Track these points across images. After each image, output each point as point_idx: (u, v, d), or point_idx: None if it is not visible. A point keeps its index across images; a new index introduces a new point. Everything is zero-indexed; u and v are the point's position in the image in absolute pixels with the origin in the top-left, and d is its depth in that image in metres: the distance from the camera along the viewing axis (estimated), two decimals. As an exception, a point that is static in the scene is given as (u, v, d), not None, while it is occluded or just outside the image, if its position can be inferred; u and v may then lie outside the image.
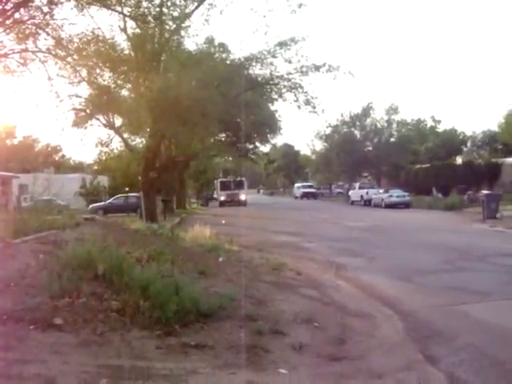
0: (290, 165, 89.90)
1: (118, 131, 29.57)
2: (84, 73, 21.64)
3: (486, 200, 24.53)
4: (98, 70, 21.35)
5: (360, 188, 49.40)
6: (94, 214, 23.25)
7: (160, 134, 24.84)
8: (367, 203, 45.07)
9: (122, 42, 23.24)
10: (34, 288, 5.89)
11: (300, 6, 26.02)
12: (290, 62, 29.68)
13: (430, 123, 73.59)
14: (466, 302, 8.16)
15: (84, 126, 28.36)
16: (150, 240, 11.95)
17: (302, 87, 30.49)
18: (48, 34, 17.90)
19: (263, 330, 5.93)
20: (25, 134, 66.17)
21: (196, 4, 22.77)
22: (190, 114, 22.74)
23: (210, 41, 30.70)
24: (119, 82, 23.41)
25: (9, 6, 16.15)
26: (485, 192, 26.98)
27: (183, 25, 22.66)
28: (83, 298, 5.79)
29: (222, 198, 54.37)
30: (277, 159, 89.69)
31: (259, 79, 31.45)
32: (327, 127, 59.90)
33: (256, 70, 31.02)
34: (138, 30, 22.06)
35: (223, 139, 42.64)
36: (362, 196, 47.41)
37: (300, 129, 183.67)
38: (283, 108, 49.19)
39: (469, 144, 66.54)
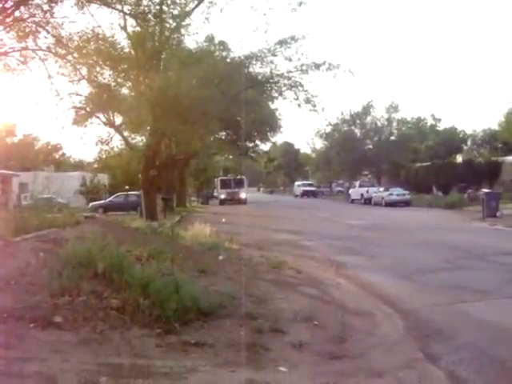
0: (290, 163, 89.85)
1: (118, 129, 29.57)
2: (84, 71, 21.66)
3: (486, 198, 24.55)
4: (98, 68, 21.36)
5: (360, 186, 49.40)
6: (94, 213, 23.30)
7: (160, 132, 24.84)
8: (367, 201, 45.08)
9: (122, 40, 23.23)
10: (34, 286, 5.89)
11: (300, 4, 25.98)
12: (290, 60, 29.63)
13: (430, 121, 73.68)
14: (466, 300, 8.16)
15: (84, 124, 28.39)
16: (150, 238, 11.96)
17: (302, 85, 30.46)
18: (48, 32, 17.90)
19: (263, 329, 5.92)
20: (25, 133, 66.32)
21: (196, 2, 22.75)
22: (190, 112, 22.72)
23: (210, 39, 30.67)
24: (119, 80, 23.41)
25: (9, 4, 16.14)
26: (485, 190, 27.01)
27: (183, 23, 22.66)
28: (83, 297, 5.79)
29: (222, 197, 54.38)
30: (277, 157, 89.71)
31: (259, 77, 31.41)
32: (327, 125, 59.97)
33: (256, 69, 30.98)
34: (138, 28, 22.05)
35: (223, 137, 42.59)
36: (362, 194, 47.42)
37: (300, 127, 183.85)
38: (283, 106, 49.59)
39: (469, 142, 66.54)
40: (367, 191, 46.53)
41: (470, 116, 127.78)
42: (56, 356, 4.52)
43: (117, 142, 33.04)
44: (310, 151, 75.95)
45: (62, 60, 19.86)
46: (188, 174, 53.08)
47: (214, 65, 25.87)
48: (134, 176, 33.65)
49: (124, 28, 22.60)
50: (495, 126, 57.60)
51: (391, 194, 40.76)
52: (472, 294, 8.59)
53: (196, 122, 24.16)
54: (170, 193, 38.37)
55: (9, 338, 4.69)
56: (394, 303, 8.10)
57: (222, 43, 31.52)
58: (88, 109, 27.27)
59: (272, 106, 39.28)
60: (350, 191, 51.73)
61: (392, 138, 58.87)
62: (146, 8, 18.83)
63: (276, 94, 33.51)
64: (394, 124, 59.72)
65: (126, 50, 23.45)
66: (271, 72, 30.86)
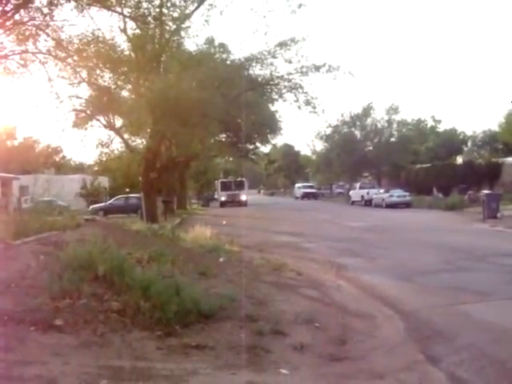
0: (291, 165, 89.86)
1: (118, 132, 29.61)
2: (84, 74, 21.69)
3: (487, 200, 24.52)
4: (98, 71, 21.41)
5: (361, 188, 49.35)
6: (95, 215, 23.26)
7: (160, 134, 24.87)
8: (368, 203, 45.03)
9: (122, 43, 23.31)
10: (34, 289, 5.89)
11: (300, 6, 26.11)
12: (290, 62, 29.74)
13: (430, 123, 73.73)
14: (466, 301, 8.16)
15: (84, 127, 28.43)
16: (150, 241, 11.97)
17: (302, 87, 30.57)
18: (48, 36, 17.92)
19: (264, 331, 5.92)
20: (25, 135, 66.48)
21: (196, 5, 22.83)
22: (190, 114, 22.76)
23: (210, 41, 30.74)
24: (119, 82, 23.44)
25: (9, 7, 16.16)
26: (485, 192, 26.96)
27: (183, 25, 22.69)
28: (84, 299, 5.79)
29: (223, 199, 54.41)
30: (277, 159, 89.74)
31: (259, 79, 31.50)
32: (327, 127, 60.07)
33: (256, 71, 31.11)
34: (138, 31, 22.10)
35: (224, 140, 42.64)
36: (362, 196, 47.37)
37: (300, 129, 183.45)
38: (283, 108, 49.59)
39: (469, 144, 66.60)
40: (368, 193, 46.47)
41: (470, 117, 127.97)
42: (57, 359, 4.52)
43: (117, 145, 33.12)
44: (311, 153, 75.99)
45: (62, 63, 19.89)
46: (188, 177, 53.10)
47: (214, 67, 25.93)
48: (135, 178, 33.67)
49: (124, 31, 22.67)
50: (495, 127, 57.67)
51: (392, 196, 40.73)
52: (472, 296, 8.58)
53: (196, 124, 24.20)
54: (171, 195, 38.37)
55: (9, 341, 4.69)
56: (395, 305, 8.10)
57: (222, 45, 31.62)
58: (88, 111, 27.31)
59: (272, 108, 39.45)
60: (351, 193, 51.69)
61: (392, 139, 58.86)
62: (145, 10, 18.84)
63: (276, 96, 33.64)
64: (394, 126, 59.72)
65: (126, 52, 23.53)
66: (271, 74, 30.98)
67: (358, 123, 60.27)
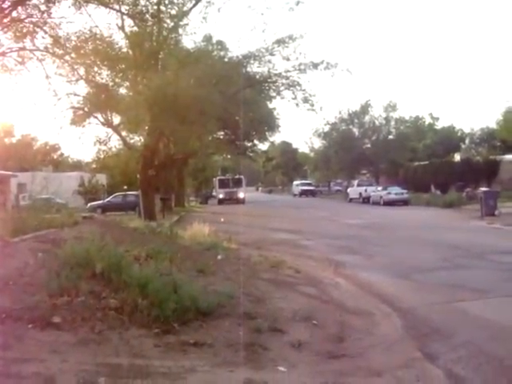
0: (289, 162, 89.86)
1: (116, 129, 29.53)
2: (82, 71, 21.67)
3: (485, 197, 24.57)
4: (95, 69, 21.39)
5: (358, 185, 49.42)
6: (93, 213, 23.27)
7: (158, 131, 24.81)
8: (366, 201, 45.06)
9: (120, 40, 23.23)
10: (32, 286, 5.89)
11: (297, 3, 26.00)
12: (287, 59, 29.64)
13: (428, 120, 73.75)
14: (464, 299, 8.18)
15: (82, 125, 28.35)
16: (148, 238, 11.96)
17: (300, 85, 30.48)
18: (46, 33, 17.91)
19: (262, 328, 5.93)
20: (23, 133, 66.35)
21: (194, 2, 22.74)
22: (188, 111, 22.70)
23: (207, 39, 30.65)
24: (117, 80, 23.42)
25: (6, 4, 16.14)
26: (483, 189, 27.02)
27: (181, 23, 22.64)
28: (82, 297, 5.79)
29: (221, 196, 54.39)
30: (275, 157, 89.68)
31: (257, 77, 31.43)
32: (325, 125, 59.97)
33: (254, 68, 31.01)
34: (135, 28, 22.03)
35: (222, 137, 42.58)
36: (360, 193, 47.41)
37: (298, 126, 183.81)
38: (281, 106, 49.60)
39: (467, 141, 66.55)
40: (365, 190, 46.51)
41: (468, 115, 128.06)
42: (55, 356, 4.52)
43: (115, 142, 32.98)
44: (309, 150, 76.00)
45: (60, 60, 19.86)
46: (186, 174, 53.05)
47: (211, 64, 25.87)
48: (133, 176, 33.59)
49: (122, 28, 22.60)
50: (493, 125, 57.66)
51: (389, 193, 40.75)
52: (470, 293, 8.61)
53: (194, 121, 24.14)
54: (169, 193, 38.36)
55: (7, 338, 4.68)
56: (393, 302, 8.11)
57: (219, 43, 31.57)
58: (86, 109, 27.24)
59: (270, 105, 39.35)
60: (349, 190, 51.74)
61: (390, 136, 58.88)
62: (143, 8, 18.84)
63: (274, 94, 33.57)
64: (392, 123, 59.74)
65: (124, 49, 23.46)
66: (269, 71, 30.89)
67: (356, 120, 60.28)
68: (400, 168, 52.98)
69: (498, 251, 13.40)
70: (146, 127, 25.40)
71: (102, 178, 47.94)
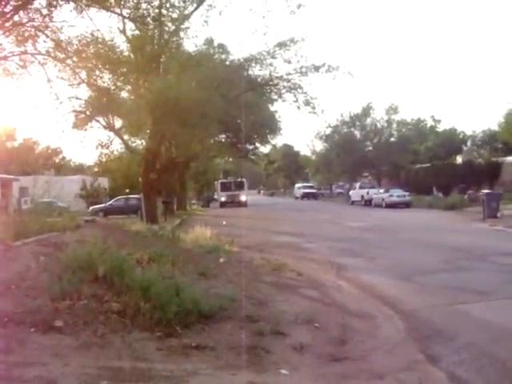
0: (291, 165, 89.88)
1: (118, 133, 29.59)
2: (83, 75, 21.67)
3: (487, 199, 24.52)
4: (97, 72, 21.40)
5: (360, 188, 49.37)
6: (95, 216, 23.25)
7: (160, 135, 24.87)
8: (368, 203, 45.04)
9: (122, 44, 23.31)
10: (34, 290, 5.89)
11: (299, 6, 26.14)
12: (289, 62, 29.76)
13: (429, 123, 73.54)
14: (466, 301, 8.16)
15: (84, 128, 28.40)
16: (150, 241, 11.98)
17: (301, 88, 30.59)
18: (47, 37, 17.91)
19: (264, 331, 5.92)
20: (25, 137, 66.40)
21: (195, 5, 22.84)
22: (189, 115, 22.76)
23: (209, 42, 30.75)
24: (119, 83, 23.44)
25: (8, 8, 16.15)
26: (485, 191, 26.95)
27: (182, 26, 22.71)
28: (84, 300, 5.80)
29: (223, 199, 54.39)
30: (277, 160, 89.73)
31: (259, 80, 31.52)
32: (327, 127, 60.10)
33: (255, 71, 31.14)
34: (137, 32, 22.12)
35: (223, 140, 42.66)
36: (362, 196, 47.38)
37: (300, 129, 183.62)
38: (283, 108, 49.64)
39: (469, 143, 66.40)
40: (367, 193, 46.48)
41: (470, 117, 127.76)
42: (57, 360, 4.52)
43: (117, 146, 33.04)
44: (310, 153, 75.98)
45: (62, 64, 19.88)
46: (188, 177, 53.08)
47: (213, 68, 25.95)
48: (135, 179, 33.65)
49: (123, 31, 22.67)
50: (495, 127, 57.52)
51: (391, 196, 40.74)
52: (472, 295, 8.59)
53: (196, 124, 24.20)
54: (171, 196, 38.36)
55: (9, 342, 4.69)
56: (395, 305, 8.10)
57: (221, 46, 31.66)
58: (88, 112, 27.29)
59: (272, 108, 39.49)
60: (351, 193, 51.72)
61: (392, 139, 58.87)
62: (144, 11, 18.83)
63: (275, 97, 33.67)
64: (394, 125, 59.73)
65: (126, 53, 23.53)
66: (271, 74, 31.00)
67: (358, 123, 60.27)
68: (402, 170, 52.93)
69: (500, 253, 13.38)
70: (148, 130, 25.47)
71: (103, 182, 47.94)
